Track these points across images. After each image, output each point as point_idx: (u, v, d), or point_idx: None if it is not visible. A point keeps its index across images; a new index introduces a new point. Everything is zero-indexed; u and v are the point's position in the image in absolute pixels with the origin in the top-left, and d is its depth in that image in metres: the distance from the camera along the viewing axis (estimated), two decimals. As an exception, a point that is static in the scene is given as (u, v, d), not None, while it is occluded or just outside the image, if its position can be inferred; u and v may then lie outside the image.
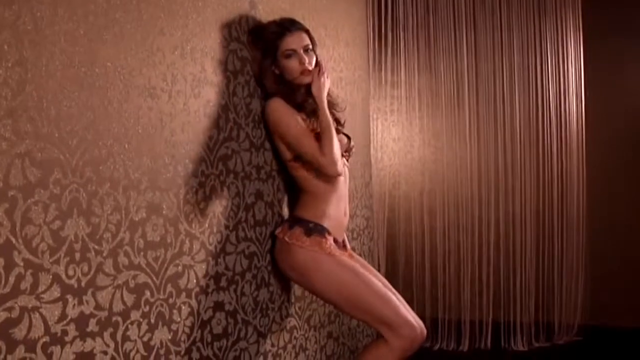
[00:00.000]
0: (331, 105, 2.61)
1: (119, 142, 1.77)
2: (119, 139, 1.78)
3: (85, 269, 1.64)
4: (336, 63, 3.38)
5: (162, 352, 1.93)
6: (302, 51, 2.47)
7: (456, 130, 4.63)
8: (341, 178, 2.57)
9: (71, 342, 1.59)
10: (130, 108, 1.83)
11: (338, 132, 2.64)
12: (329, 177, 2.49)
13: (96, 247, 1.67)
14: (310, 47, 2.52)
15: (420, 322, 2.51)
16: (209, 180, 2.19)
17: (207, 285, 2.17)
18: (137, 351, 1.82)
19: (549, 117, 4.50)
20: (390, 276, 4.75)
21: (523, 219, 4.54)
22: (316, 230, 2.46)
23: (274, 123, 2.48)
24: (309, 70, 2.48)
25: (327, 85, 2.51)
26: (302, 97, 2.51)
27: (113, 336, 1.73)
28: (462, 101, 4.59)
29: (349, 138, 2.71)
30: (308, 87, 2.52)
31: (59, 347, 1.55)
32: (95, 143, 1.69)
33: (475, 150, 4.61)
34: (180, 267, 2.02)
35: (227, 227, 2.30)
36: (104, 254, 1.70)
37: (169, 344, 1.96)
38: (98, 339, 1.67)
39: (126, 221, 1.79)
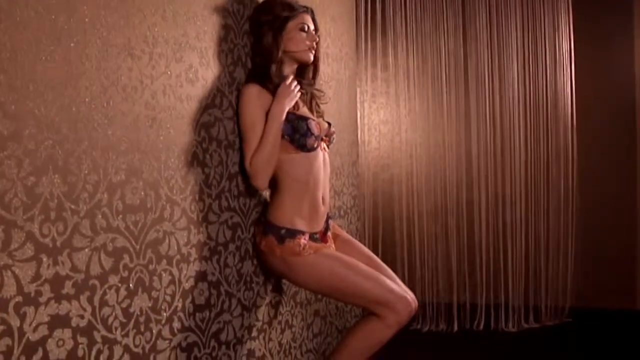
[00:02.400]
0: (314, 96, 2.66)
1: (97, 100, 1.72)
2: (98, 97, 1.72)
3: (61, 228, 1.58)
4: (322, 39, 3.32)
5: (142, 319, 1.88)
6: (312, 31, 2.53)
7: (445, 112, 4.60)
8: (319, 164, 2.53)
9: (46, 304, 1.53)
10: (109, 67, 1.77)
11: (319, 117, 2.66)
12: (307, 163, 2.47)
13: (72, 206, 1.62)
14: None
15: (411, 293, 2.50)
16: (191, 147, 2.14)
17: (189, 254, 2.12)
18: (116, 317, 1.77)
19: (538, 97, 4.49)
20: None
21: (512, 201, 4.53)
22: (288, 235, 2.42)
23: (239, 108, 2.44)
24: (314, 49, 2.53)
25: (292, 101, 2.44)
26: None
27: (90, 300, 1.67)
28: (450, 83, 4.57)
29: (329, 124, 2.68)
30: (300, 66, 2.58)
31: (32, 308, 1.49)
32: (73, 99, 1.63)
33: (464, 133, 4.59)
34: (160, 233, 1.96)
35: (209, 195, 2.25)
36: (81, 214, 1.64)
37: (149, 311, 1.91)
38: (74, 302, 1.62)
39: (105, 182, 1.73)
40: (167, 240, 1.99)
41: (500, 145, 4.53)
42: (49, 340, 1.54)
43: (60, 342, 1.57)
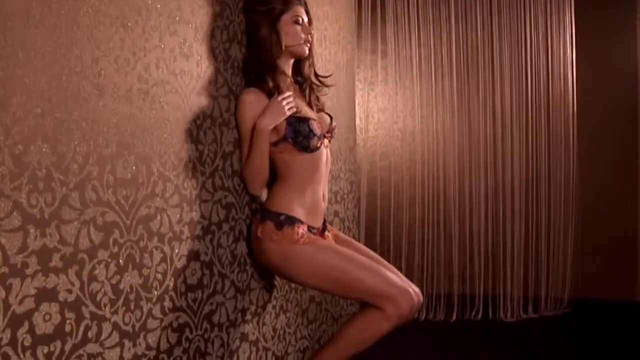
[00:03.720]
0: (312, 90, 2.63)
1: (88, 70, 1.67)
2: (89, 67, 1.67)
3: (49, 199, 1.54)
4: (319, 21, 3.29)
5: (132, 297, 1.84)
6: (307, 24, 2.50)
7: (444, 100, 4.56)
8: (322, 162, 2.50)
9: (32, 276, 1.49)
10: (101, 37, 1.73)
11: (320, 111, 2.62)
12: (310, 163, 2.44)
13: (61, 177, 1.57)
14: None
15: (416, 288, 2.43)
16: (185, 123, 2.10)
17: (181, 232, 2.07)
18: (105, 293, 1.73)
19: (538, 85, 4.45)
20: (377, 249, 4.70)
21: (512, 191, 4.49)
22: (287, 222, 2.37)
23: (235, 114, 2.42)
24: (310, 42, 2.50)
25: (282, 118, 2.37)
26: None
27: (78, 274, 1.63)
28: (449, 70, 4.53)
29: (331, 118, 2.65)
30: (296, 62, 2.56)
31: (18, 279, 1.45)
32: (63, 68, 1.59)
33: (464, 120, 4.55)
34: (152, 209, 1.92)
35: (203, 173, 2.20)
36: (70, 186, 1.60)
37: (139, 289, 1.87)
38: (62, 276, 1.57)
39: (95, 154, 1.69)
40: (158, 217, 1.95)
41: (500, 134, 4.50)
42: (36, 313, 1.50)
43: (47, 317, 1.53)
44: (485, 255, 4.55)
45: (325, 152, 2.53)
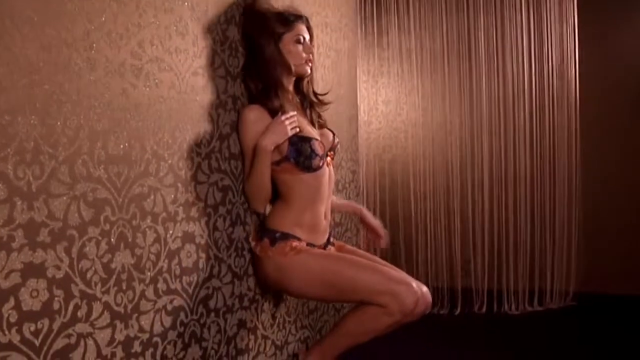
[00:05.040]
0: (313, 107, 2.61)
1: (80, 43, 1.63)
2: (80, 40, 1.63)
3: (37, 172, 1.50)
4: (321, 8, 3.25)
5: (124, 276, 1.80)
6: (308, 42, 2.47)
7: (447, 91, 4.52)
8: (325, 180, 2.47)
9: (19, 250, 1.45)
10: (93, 9, 1.69)
11: (322, 127, 2.59)
12: (312, 183, 2.41)
13: (50, 150, 1.53)
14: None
15: (423, 287, 2.36)
16: (179, 102, 2.06)
17: (176, 213, 2.03)
18: (96, 271, 1.69)
19: (542, 76, 4.39)
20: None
21: (516, 184, 4.43)
22: (281, 238, 2.37)
23: (239, 131, 2.40)
24: (311, 61, 2.48)
25: (283, 138, 2.33)
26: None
27: (68, 251, 1.59)
28: (453, 62, 4.48)
29: (334, 134, 2.62)
30: (297, 80, 2.53)
31: (4, 253, 1.41)
32: (53, 39, 1.55)
33: (467, 112, 4.50)
34: (145, 188, 1.88)
35: (199, 154, 2.16)
36: (60, 160, 1.56)
37: (131, 269, 1.83)
38: (50, 251, 1.53)
39: (86, 128, 1.65)
40: (152, 196, 1.91)
41: (503, 125, 4.44)
42: (22, 289, 1.46)
43: (35, 293, 1.49)
44: (489, 248, 4.50)
45: (327, 171, 2.51)
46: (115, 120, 1.76)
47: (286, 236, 2.37)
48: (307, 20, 2.50)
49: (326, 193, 2.50)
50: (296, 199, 2.41)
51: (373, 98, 4.82)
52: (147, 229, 1.89)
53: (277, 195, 2.48)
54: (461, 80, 4.50)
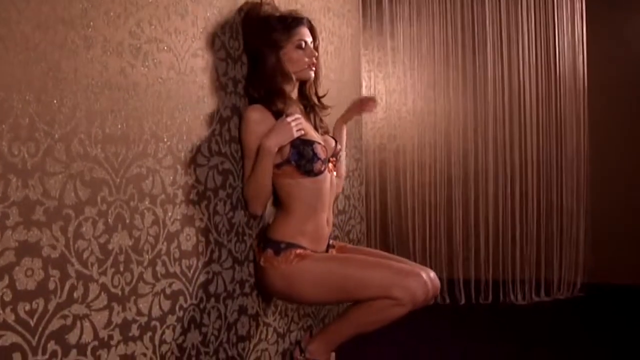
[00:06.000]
0: (316, 112, 2.57)
1: (77, 21, 1.61)
2: (78, 18, 1.61)
3: (33, 149, 1.47)
4: (325, -7, 3.22)
5: (121, 258, 1.78)
6: (311, 45, 2.43)
7: (452, 80, 4.48)
8: (326, 186, 2.44)
9: (13, 228, 1.43)
10: (89, -13, 1.67)
11: (324, 133, 2.57)
12: (314, 188, 2.38)
13: (46, 128, 1.51)
14: (313, 45, 2.47)
15: (431, 272, 2.36)
16: (178, 83, 2.04)
17: (175, 195, 2.01)
18: (92, 252, 1.66)
19: (549, 64, 4.34)
20: (386, 232, 4.64)
21: (524, 173, 4.39)
22: (286, 248, 2.34)
23: (239, 130, 2.38)
24: (314, 64, 2.43)
25: (287, 139, 2.30)
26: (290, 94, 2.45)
27: (63, 230, 1.57)
28: (458, 51, 4.44)
29: (336, 140, 2.59)
30: (301, 83, 2.49)
31: (-3, 231, 1.39)
32: (48, 16, 1.52)
33: (473, 101, 4.46)
34: (143, 169, 1.86)
35: (198, 136, 2.14)
36: (55, 137, 1.54)
37: (129, 251, 1.81)
38: (45, 230, 1.51)
39: (83, 107, 1.63)
40: (150, 178, 1.89)
41: (509, 113, 4.39)
42: (17, 268, 1.44)
43: (29, 272, 1.47)
44: (496, 239, 4.46)
45: (329, 177, 2.47)
46: (113, 100, 1.74)
47: (291, 245, 2.35)
48: (308, 21, 2.46)
49: (327, 200, 2.47)
50: (297, 206, 2.38)
51: (378, 88, 4.78)
52: (145, 211, 1.87)
53: (276, 204, 2.48)
54: (467, 69, 4.46)
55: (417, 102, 4.60)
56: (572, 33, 4.30)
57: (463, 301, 4.32)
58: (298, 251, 2.34)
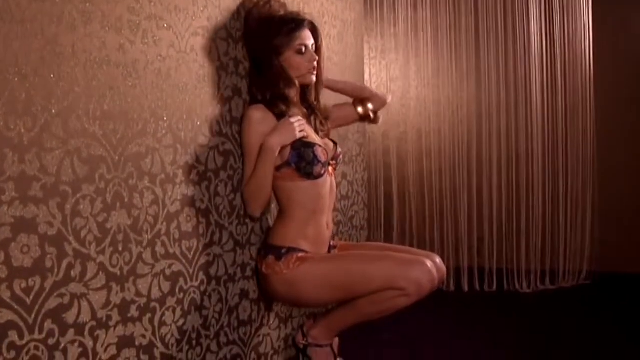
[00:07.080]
0: (317, 116, 2.54)
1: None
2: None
3: (30, 124, 1.45)
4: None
5: (120, 237, 1.75)
6: (312, 49, 2.38)
7: (457, 68, 4.44)
8: (326, 190, 2.41)
9: (9, 204, 1.40)
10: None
11: (325, 137, 2.54)
12: (313, 191, 2.35)
13: (43, 102, 1.49)
14: (315, 46, 2.42)
15: (436, 258, 2.36)
16: (178, 62, 2.01)
17: (175, 175, 1.98)
18: (90, 230, 1.64)
19: (555, 51, 4.30)
20: (390, 221, 4.61)
21: (528, 159, 4.35)
22: (288, 252, 2.31)
23: (240, 129, 2.35)
24: (316, 68, 2.39)
25: (290, 139, 2.27)
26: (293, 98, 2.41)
27: (61, 207, 1.54)
28: (462, 36, 4.39)
29: (335, 144, 2.55)
30: (302, 87, 2.44)
31: (-6, 206, 1.37)
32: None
33: (477, 88, 4.43)
34: (143, 148, 1.83)
35: (199, 116, 2.11)
36: (53, 113, 1.51)
37: (128, 230, 1.78)
38: (42, 207, 1.49)
39: (81, 83, 1.60)
40: (150, 156, 1.86)
41: (514, 101, 4.35)
42: (12, 244, 1.42)
43: (25, 249, 1.45)
44: (500, 227, 4.43)
45: (329, 180, 2.44)
46: (112, 76, 1.71)
47: (292, 250, 2.32)
48: (310, 23, 2.41)
49: (327, 204, 2.44)
50: (297, 210, 2.35)
51: (381, 75, 4.74)
52: (144, 190, 1.84)
53: (278, 212, 2.45)
54: (472, 55, 4.42)
55: (420, 89, 4.55)
56: (577, 20, 4.26)
57: (467, 289, 4.30)
58: (299, 255, 2.32)
